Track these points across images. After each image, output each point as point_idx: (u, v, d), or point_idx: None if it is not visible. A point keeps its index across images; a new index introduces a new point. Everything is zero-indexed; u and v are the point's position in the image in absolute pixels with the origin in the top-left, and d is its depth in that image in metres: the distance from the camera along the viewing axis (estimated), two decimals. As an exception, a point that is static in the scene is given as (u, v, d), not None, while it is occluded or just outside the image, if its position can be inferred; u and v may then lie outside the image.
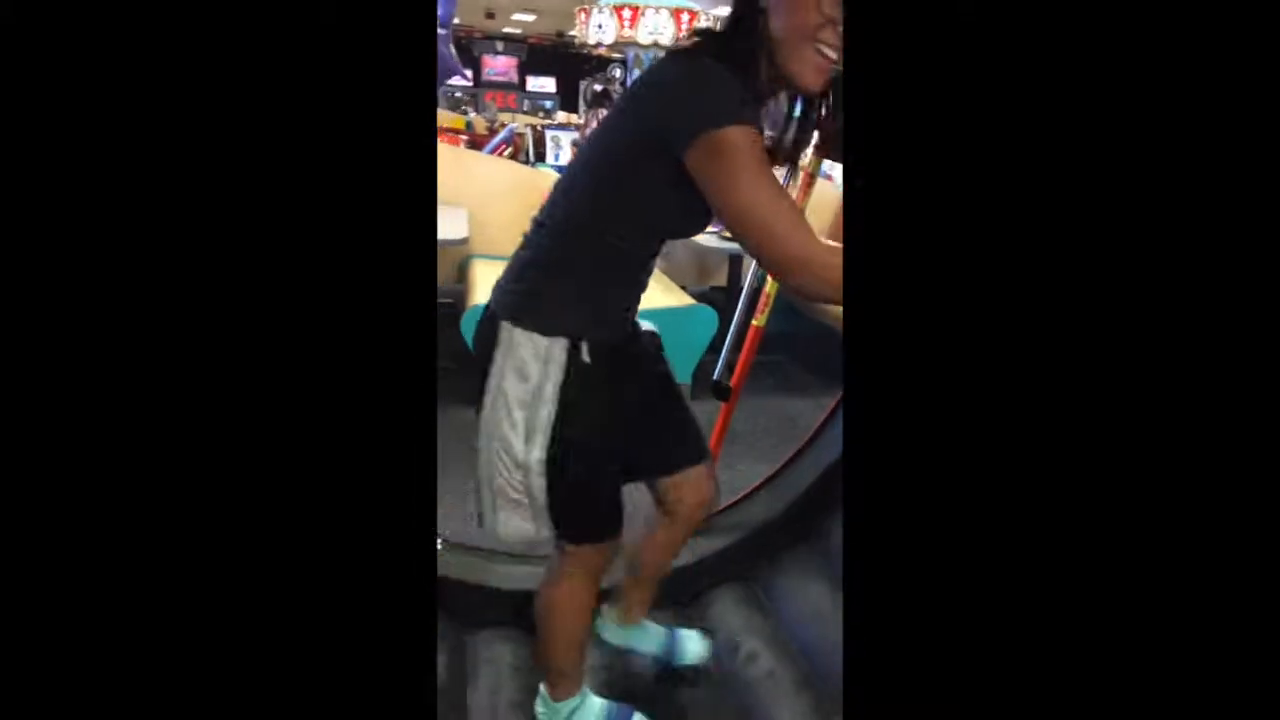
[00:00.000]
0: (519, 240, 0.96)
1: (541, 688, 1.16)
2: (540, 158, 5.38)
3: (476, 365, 0.96)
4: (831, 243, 0.78)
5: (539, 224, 0.94)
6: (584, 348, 0.92)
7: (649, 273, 0.98)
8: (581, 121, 6.62)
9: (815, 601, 1.43)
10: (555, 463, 0.93)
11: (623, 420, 0.99)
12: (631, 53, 6.29)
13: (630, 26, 5.88)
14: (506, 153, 5.19)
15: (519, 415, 0.93)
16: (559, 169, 4.97)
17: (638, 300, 1.01)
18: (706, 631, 1.37)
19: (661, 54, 4.39)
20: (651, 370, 1.11)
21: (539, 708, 1.16)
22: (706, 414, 1.35)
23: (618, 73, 6.61)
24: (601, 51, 6.69)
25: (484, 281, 2.53)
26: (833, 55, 0.81)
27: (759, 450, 2.12)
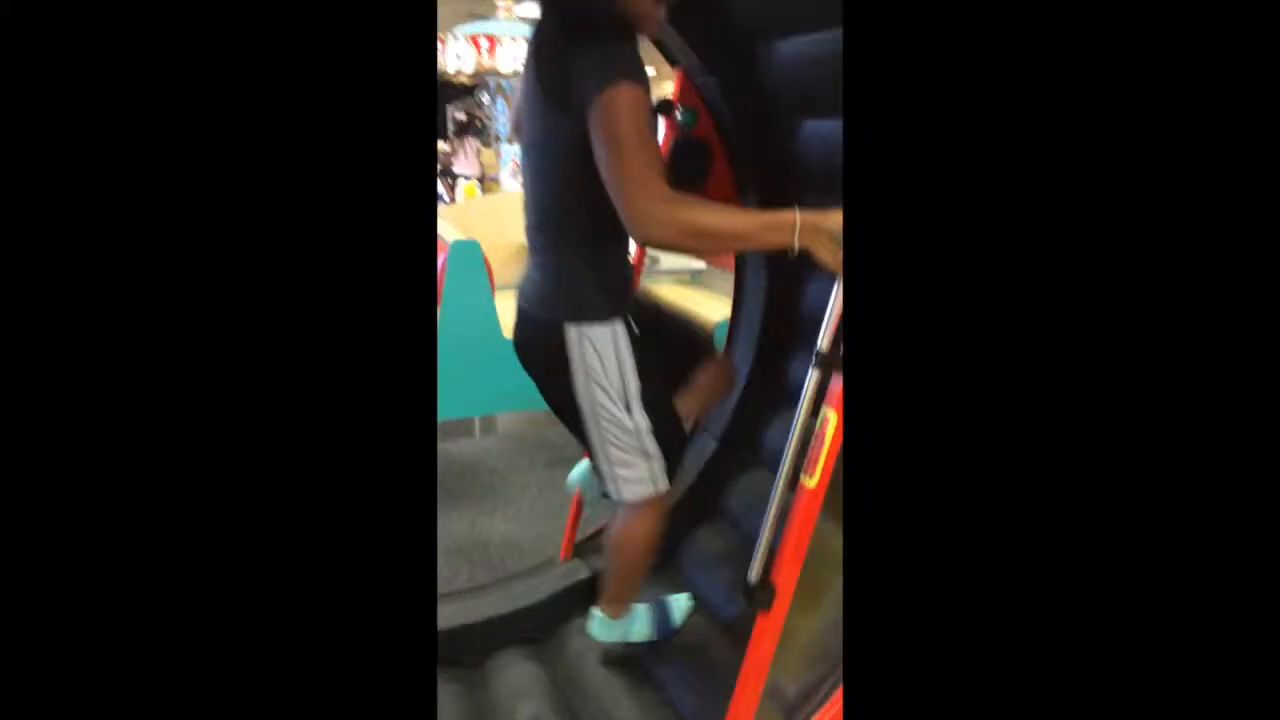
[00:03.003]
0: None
1: (599, 611, 1.35)
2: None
3: (541, 373, 1.16)
4: (680, 195, 0.91)
5: (539, 229, 1.11)
6: (630, 322, 1.11)
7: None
8: (449, 150, 6.07)
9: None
10: (654, 420, 1.13)
11: (668, 364, 1.23)
12: (493, 81, 6.04)
13: (490, 55, 5.86)
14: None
15: (614, 392, 1.10)
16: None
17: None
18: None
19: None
20: (655, 311, 1.31)
21: (596, 629, 1.35)
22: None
23: (485, 98, 6.23)
24: (464, 80, 6.28)
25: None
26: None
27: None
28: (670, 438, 1.18)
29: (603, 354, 1.09)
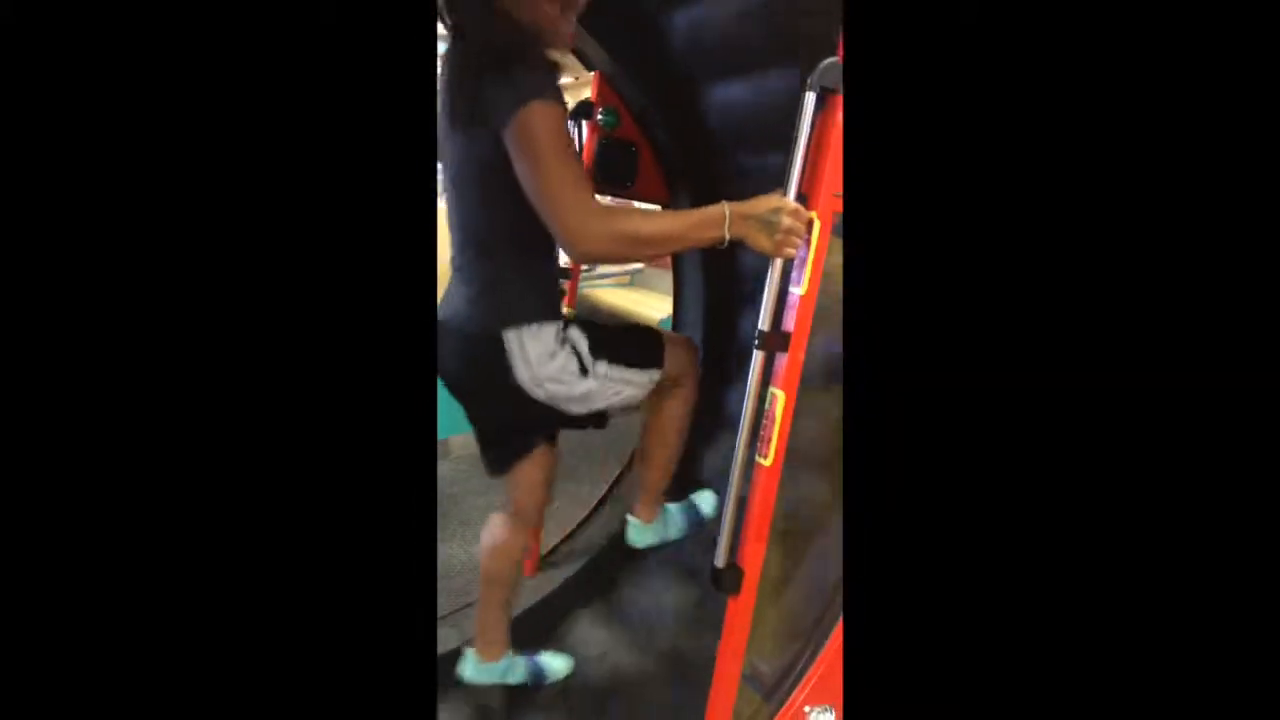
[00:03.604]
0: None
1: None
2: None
3: (477, 387, 1.16)
4: (611, 207, 0.95)
5: (465, 246, 1.11)
6: (564, 322, 1.14)
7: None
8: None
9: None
10: (608, 353, 1.16)
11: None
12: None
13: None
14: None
15: (568, 374, 1.12)
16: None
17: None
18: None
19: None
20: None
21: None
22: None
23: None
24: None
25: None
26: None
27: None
28: (646, 346, 1.22)
29: (546, 347, 1.09)
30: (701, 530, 1.51)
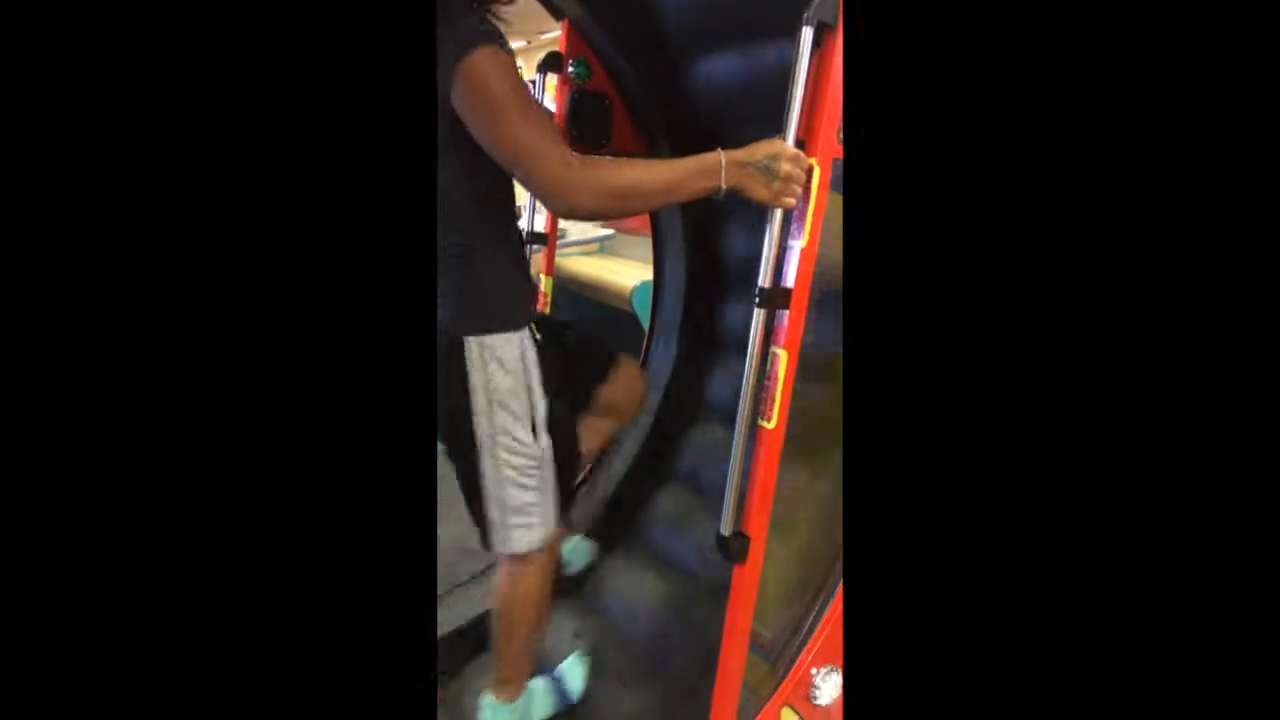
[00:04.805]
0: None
1: (490, 697, 1.18)
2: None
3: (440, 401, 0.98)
4: (595, 158, 0.84)
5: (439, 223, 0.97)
6: (534, 329, 1.01)
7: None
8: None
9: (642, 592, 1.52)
10: (556, 445, 1.02)
11: (571, 374, 1.12)
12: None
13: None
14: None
15: (522, 412, 0.98)
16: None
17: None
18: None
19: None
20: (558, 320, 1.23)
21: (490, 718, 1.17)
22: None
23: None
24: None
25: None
26: None
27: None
28: (567, 469, 1.06)
29: (509, 369, 0.97)
30: (569, 710, 1.27)
